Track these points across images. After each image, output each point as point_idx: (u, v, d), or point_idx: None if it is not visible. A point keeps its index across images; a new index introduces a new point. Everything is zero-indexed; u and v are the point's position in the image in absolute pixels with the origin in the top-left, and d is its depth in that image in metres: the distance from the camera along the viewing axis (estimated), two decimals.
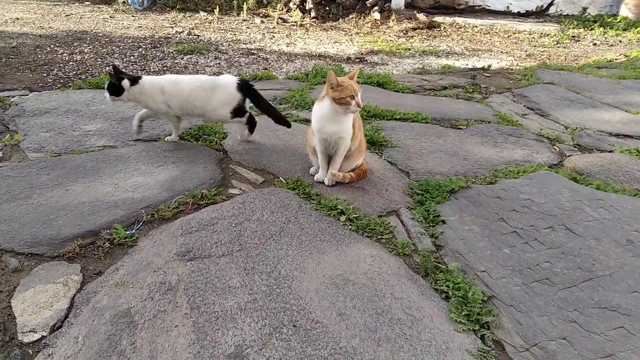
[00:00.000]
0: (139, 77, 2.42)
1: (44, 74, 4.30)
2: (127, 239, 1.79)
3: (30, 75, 4.25)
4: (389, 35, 7.02)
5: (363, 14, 7.84)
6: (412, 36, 7.11)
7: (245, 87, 2.49)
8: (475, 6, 8.77)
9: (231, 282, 1.56)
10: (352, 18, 7.69)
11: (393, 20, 7.64)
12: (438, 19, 7.89)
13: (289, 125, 2.64)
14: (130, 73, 4.49)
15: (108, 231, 1.82)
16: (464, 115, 3.43)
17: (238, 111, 2.49)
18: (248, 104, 2.54)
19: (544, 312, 1.54)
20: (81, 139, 2.63)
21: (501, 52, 6.45)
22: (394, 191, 2.28)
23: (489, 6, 8.79)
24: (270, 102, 2.71)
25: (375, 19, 7.65)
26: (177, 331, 1.36)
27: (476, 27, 7.68)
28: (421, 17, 7.82)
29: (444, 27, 7.64)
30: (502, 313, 1.54)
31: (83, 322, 1.40)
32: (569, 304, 1.58)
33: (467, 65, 5.50)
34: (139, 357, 1.27)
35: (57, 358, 1.28)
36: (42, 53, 5.01)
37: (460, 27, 7.70)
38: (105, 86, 2.39)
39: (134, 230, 1.85)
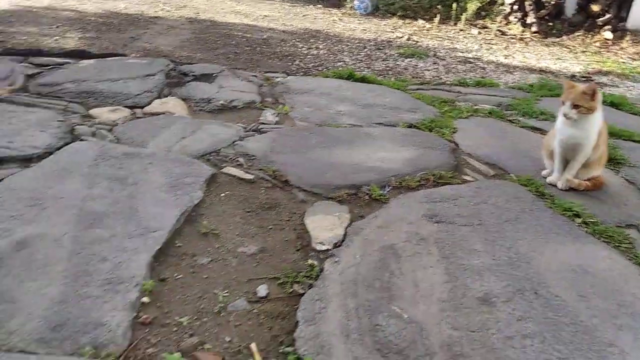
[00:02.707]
0: None
1: (289, 63, 5.10)
2: (380, 197, 2.18)
3: (279, 63, 5.09)
4: (621, 57, 6.44)
5: (591, 33, 7.31)
6: None
7: None
8: None
9: (475, 247, 1.80)
10: (578, 36, 7.25)
11: (627, 41, 6.96)
12: None
13: None
14: (357, 70, 5.06)
15: (367, 187, 2.23)
16: None
17: None
18: None
19: None
20: (334, 116, 3.16)
21: None
22: (634, 207, 2.25)
23: None
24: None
25: (606, 39, 7.08)
26: (432, 271, 1.66)
27: None
28: None
29: None
30: None
31: (357, 246, 1.79)
32: None
33: None
34: (405, 278, 1.60)
35: (342, 264, 1.69)
36: (286, 46, 5.91)
37: None
38: None
39: (385, 192, 2.23)
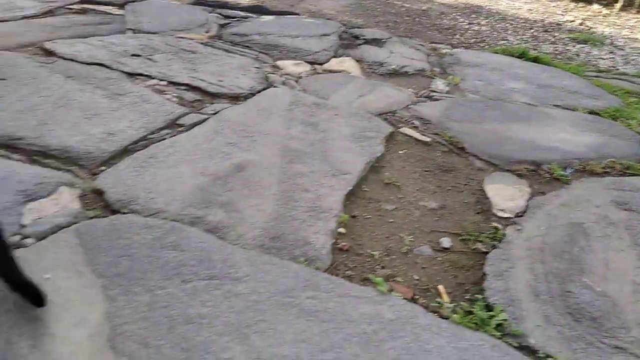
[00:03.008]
0: None
1: (449, 37, 5.00)
2: (562, 177, 2.14)
3: (438, 35, 5.01)
4: None
5: None
6: None
7: None
8: None
9: None
10: None
11: None
12: None
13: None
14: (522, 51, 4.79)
15: (548, 166, 2.20)
16: None
17: None
18: None
19: None
20: (507, 92, 3.10)
21: None
22: None
23: None
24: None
25: None
26: (623, 255, 1.63)
27: None
28: None
29: None
30: None
31: (541, 219, 1.81)
32: None
33: None
34: (595, 256, 1.60)
35: (526, 232, 1.73)
36: (446, 19, 5.78)
37: None
38: None
39: (567, 172, 2.18)
